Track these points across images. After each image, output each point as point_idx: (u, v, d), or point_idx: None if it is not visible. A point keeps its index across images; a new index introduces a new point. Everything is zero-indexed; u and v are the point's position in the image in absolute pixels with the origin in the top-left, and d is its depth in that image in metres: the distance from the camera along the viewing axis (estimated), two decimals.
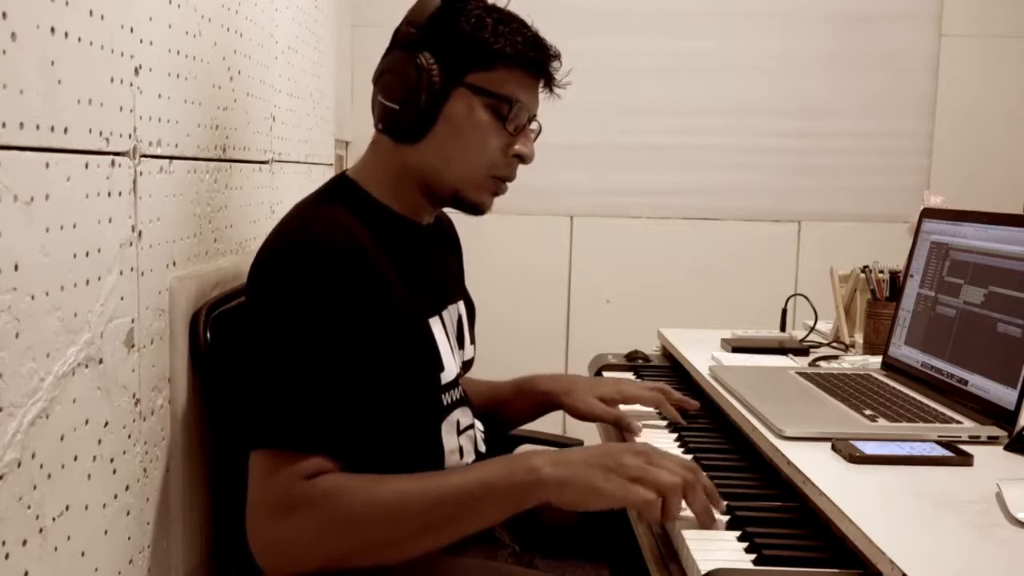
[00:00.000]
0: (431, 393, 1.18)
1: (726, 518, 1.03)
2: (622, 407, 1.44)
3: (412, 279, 1.18)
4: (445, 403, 1.20)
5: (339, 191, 1.21)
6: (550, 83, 1.22)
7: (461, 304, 1.34)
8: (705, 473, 1.05)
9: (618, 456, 1.01)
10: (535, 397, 1.45)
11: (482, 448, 1.29)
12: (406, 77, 1.15)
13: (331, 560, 1.01)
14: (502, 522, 1.06)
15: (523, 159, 1.21)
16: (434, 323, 1.20)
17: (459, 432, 1.23)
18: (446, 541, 1.02)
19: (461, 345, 1.32)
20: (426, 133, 1.17)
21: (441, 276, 1.31)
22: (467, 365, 1.35)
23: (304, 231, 1.10)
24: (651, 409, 1.45)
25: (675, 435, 1.36)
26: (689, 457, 1.24)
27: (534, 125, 1.24)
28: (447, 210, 1.31)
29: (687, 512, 1.00)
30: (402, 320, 1.13)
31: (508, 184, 1.24)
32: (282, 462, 1.02)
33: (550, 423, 1.52)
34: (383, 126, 1.19)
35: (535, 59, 1.19)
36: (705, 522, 1.00)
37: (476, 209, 1.23)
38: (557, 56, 1.22)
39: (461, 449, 1.23)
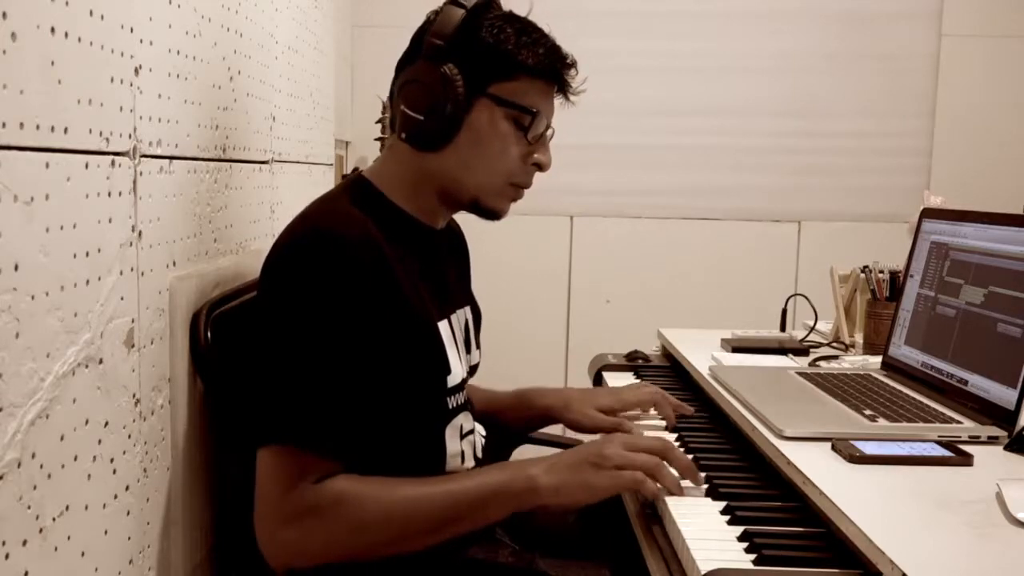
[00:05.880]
0: (437, 395, 1.18)
1: (705, 486, 1.13)
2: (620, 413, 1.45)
3: (423, 281, 1.19)
4: (450, 406, 1.21)
5: (355, 191, 1.21)
6: (566, 92, 1.24)
7: (468, 310, 1.35)
8: (696, 462, 1.18)
9: (599, 451, 1.09)
10: (534, 411, 1.46)
11: (479, 454, 1.29)
12: (431, 89, 1.15)
13: (339, 559, 1.06)
14: (502, 522, 1.11)
15: (541, 167, 1.24)
16: (442, 326, 1.21)
17: (462, 436, 1.23)
18: (447, 539, 1.08)
19: (468, 350, 1.32)
20: (448, 142, 1.18)
21: (450, 281, 1.32)
22: (473, 370, 1.36)
23: (319, 226, 1.11)
24: (651, 412, 1.45)
25: (675, 435, 1.36)
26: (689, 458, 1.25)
27: (548, 131, 1.25)
28: (459, 215, 1.31)
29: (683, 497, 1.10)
30: (412, 320, 1.13)
31: (525, 191, 1.25)
32: (291, 463, 1.04)
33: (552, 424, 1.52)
34: (406, 135, 1.19)
35: (554, 69, 1.21)
36: (685, 491, 1.11)
37: (494, 215, 1.25)
38: (574, 64, 1.23)
39: (463, 453, 1.23)
